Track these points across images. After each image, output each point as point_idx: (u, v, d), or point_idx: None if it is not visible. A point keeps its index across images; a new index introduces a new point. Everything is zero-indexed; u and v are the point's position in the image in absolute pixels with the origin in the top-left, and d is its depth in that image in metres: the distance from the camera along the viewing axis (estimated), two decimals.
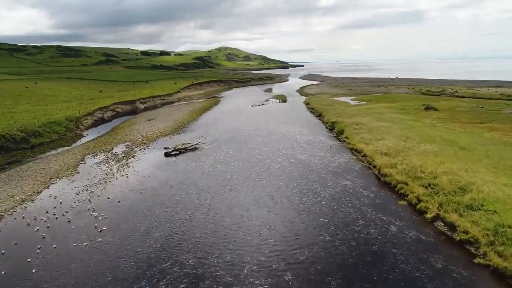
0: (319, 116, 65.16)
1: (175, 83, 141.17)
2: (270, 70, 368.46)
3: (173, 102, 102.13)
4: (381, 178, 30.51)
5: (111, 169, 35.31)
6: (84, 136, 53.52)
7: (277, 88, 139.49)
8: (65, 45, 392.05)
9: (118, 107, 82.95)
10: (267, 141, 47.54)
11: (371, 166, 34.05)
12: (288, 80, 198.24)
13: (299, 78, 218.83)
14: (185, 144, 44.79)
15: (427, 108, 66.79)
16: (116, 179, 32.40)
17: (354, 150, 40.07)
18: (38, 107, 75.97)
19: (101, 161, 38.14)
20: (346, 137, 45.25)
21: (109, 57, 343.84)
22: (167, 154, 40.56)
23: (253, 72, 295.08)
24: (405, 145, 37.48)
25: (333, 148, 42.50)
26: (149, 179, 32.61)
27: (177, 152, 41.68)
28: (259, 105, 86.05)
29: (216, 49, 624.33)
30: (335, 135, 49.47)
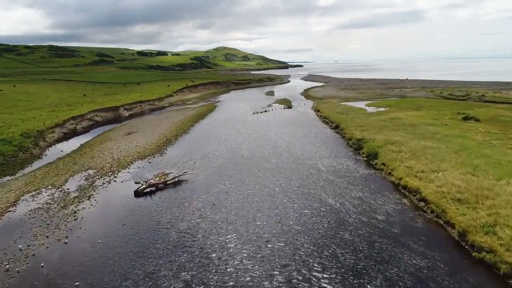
0: (337, 128, 53.43)
1: (168, 86, 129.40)
2: (269, 70, 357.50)
3: (163, 108, 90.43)
4: (473, 253, 18.78)
5: (47, 224, 23.53)
6: (41, 158, 41.71)
7: (279, 91, 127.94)
8: (60, 45, 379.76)
9: (97, 115, 71.13)
10: (275, 167, 35.87)
11: (443, 223, 22.33)
12: (289, 81, 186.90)
13: (301, 79, 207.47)
14: (165, 174, 33.01)
15: (466, 118, 55.23)
16: (47, 248, 20.61)
17: (403, 188, 28.33)
18: (1, 115, 64.29)
19: (39, 207, 26.33)
20: (384, 165, 33.54)
21: (103, 57, 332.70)
22: (138, 193, 28.77)
23: (252, 72, 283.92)
24: (479, 182, 25.84)
25: (370, 181, 30.77)
26: (99, 247, 20.83)
27: (153, 189, 29.92)
28: (261, 112, 74.39)
29: (214, 49, 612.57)
30: (365, 158, 37.73)
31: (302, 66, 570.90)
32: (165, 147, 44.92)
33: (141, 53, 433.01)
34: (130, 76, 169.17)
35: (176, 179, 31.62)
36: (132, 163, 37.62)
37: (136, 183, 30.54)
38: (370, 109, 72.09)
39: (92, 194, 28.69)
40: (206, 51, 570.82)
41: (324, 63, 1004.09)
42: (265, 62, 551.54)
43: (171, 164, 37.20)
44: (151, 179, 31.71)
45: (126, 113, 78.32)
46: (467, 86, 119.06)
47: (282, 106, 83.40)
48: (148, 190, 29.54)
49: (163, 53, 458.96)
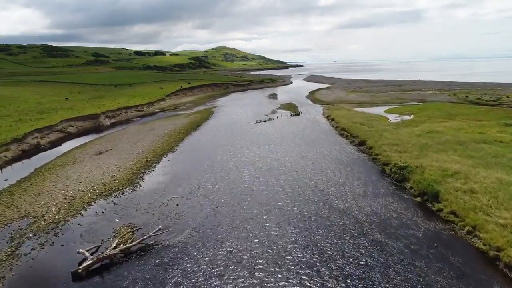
0: (362, 145, 42.61)
1: (161, 88, 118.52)
2: (269, 70, 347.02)
3: (153, 114, 79.67)
4: None
5: None
6: None
7: (282, 94, 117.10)
8: (55, 45, 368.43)
9: (71, 125, 60.28)
10: (292, 210, 25.13)
11: None
12: (291, 82, 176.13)
13: (303, 80, 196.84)
14: (130, 230, 22.10)
15: None
16: None
17: (508, 268, 17.49)
18: None
19: None
20: (456, 215, 22.57)
21: (98, 57, 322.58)
22: (78, 275, 17.87)
23: (252, 73, 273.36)
24: None
25: (445, 248, 19.84)
26: None
27: (107, 262, 19.07)
28: (264, 121, 63.64)
29: (213, 49, 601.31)
30: (416, 197, 26.74)
31: (302, 66, 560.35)
32: (142, 175, 34.03)
33: (138, 53, 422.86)
34: (123, 77, 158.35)
35: (144, 243, 20.72)
36: (89, 205, 26.74)
37: (78, 253, 19.54)
38: (393, 118, 61.36)
39: (3, 278, 17.81)
40: (205, 51, 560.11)
41: (323, 63, 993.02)
42: (264, 62, 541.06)
43: (144, 207, 26.34)
44: (108, 240, 20.85)
45: (108, 122, 67.44)
46: (488, 88, 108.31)
47: (289, 112, 72.61)
48: (98, 265, 18.68)
49: (161, 53, 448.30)
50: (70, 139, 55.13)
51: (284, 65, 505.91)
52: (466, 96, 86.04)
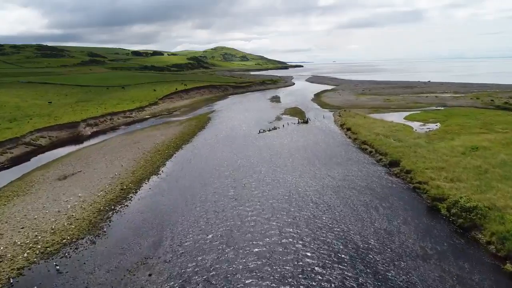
0: (394, 165, 33.85)
1: (154, 90, 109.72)
2: (269, 71, 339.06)
3: (143, 120, 71.03)
4: None
5: None
6: None
7: (286, 96, 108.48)
8: (51, 44, 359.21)
9: (43, 136, 51.61)
10: None
11: None
12: (294, 83, 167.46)
13: (306, 80, 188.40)
14: None
15: None
16: None
17: None
18: None
19: None
20: None
21: (94, 57, 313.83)
22: None
23: (252, 73, 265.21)
24: None
25: None
26: None
27: None
28: (269, 130, 55.04)
29: (212, 49, 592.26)
30: (505, 261, 18.19)
31: (302, 66, 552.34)
32: (110, 213, 25.32)
33: (136, 53, 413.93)
34: (117, 78, 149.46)
35: None
36: (19, 274, 18.01)
37: None
38: (418, 126, 52.89)
39: None
40: (204, 51, 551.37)
41: (323, 63, 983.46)
42: (264, 62, 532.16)
43: (99, 279, 17.62)
44: None
45: (88, 131, 58.61)
46: (508, 90, 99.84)
47: (295, 119, 63.94)
48: None
49: (159, 53, 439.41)
50: (40, 153, 46.62)
51: (284, 65, 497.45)
52: (492, 101, 77.41)
